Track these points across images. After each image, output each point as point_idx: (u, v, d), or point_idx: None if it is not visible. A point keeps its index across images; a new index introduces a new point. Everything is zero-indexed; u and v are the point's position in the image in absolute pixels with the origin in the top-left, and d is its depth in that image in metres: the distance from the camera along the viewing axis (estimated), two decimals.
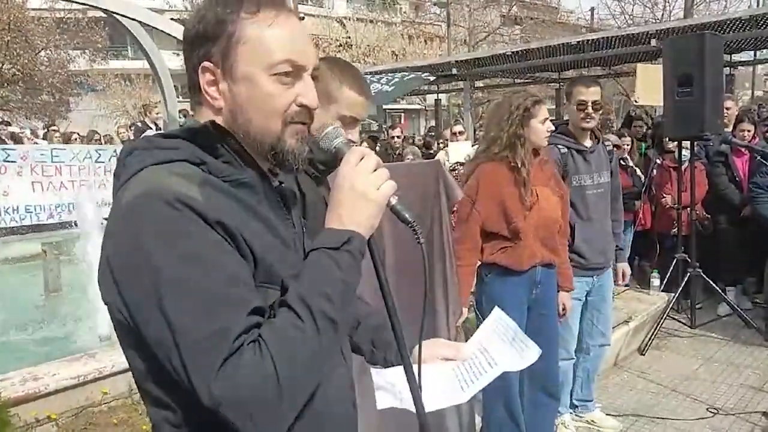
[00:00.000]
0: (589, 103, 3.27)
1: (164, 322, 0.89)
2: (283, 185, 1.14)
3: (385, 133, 10.65)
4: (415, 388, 1.11)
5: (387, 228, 2.32)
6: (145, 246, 0.91)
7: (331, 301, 0.96)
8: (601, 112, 3.39)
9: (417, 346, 1.21)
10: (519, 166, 2.81)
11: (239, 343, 0.89)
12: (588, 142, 3.40)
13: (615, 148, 4.18)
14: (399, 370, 1.15)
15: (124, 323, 0.97)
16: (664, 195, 5.93)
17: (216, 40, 1.03)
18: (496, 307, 1.57)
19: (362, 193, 1.03)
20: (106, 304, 1.00)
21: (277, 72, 1.03)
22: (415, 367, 1.14)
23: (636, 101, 7.86)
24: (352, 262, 1.01)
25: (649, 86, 6.17)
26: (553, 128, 2.98)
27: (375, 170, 1.05)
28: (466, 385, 1.28)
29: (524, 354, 1.36)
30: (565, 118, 3.58)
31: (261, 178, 1.07)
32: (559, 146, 3.32)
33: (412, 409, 1.17)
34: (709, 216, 5.87)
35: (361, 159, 1.06)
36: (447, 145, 8.40)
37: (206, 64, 1.04)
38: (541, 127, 2.87)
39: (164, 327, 0.89)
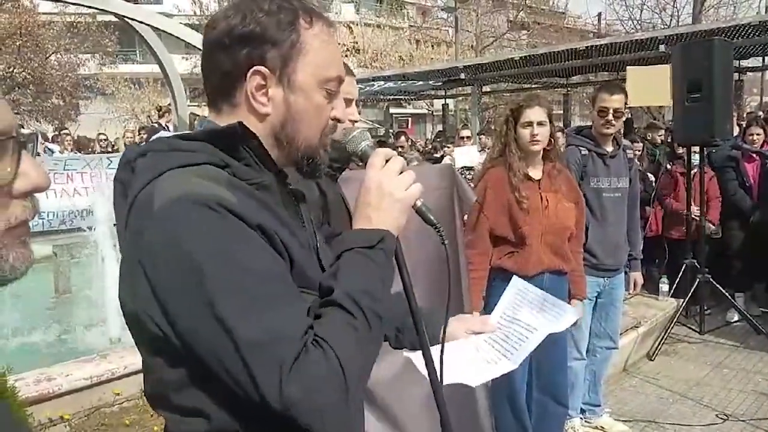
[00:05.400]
0: (611, 110, 3.32)
1: (220, 328, 0.86)
2: (296, 186, 1.14)
3: (392, 137, 10.67)
4: (437, 383, 1.12)
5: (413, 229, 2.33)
6: (190, 253, 0.87)
7: (375, 298, 0.98)
8: (623, 119, 3.43)
9: (442, 331, 1.20)
10: (509, 170, 2.83)
11: (303, 342, 0.88)
12: (609, 147, 3.44)
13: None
14: (436, 349, 1.15)
15: (159, 335, 0.93)
16: (672, 200, 5.91)
17: (277, 45, 1.01)
18: (515, 276, 1.55)
19: (389, 194, 1.05)
20: (134, 317, 0.96)
21: (328, 87, 1.06)
22: (437, 350, 1.14)
23: (627, 103, 7.92)
24: (386, 261, 1.03)
25: (639, 88, 6.15)
26: (537, 133, 2.81)
27: (401, 172, 1.07)
28: (510, 354, 1.29)
29: (561, 317, 1.35)
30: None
31: (277, 180, 1.06)
32: (580, 148, 3.39)
33: (472, 381, 1.19)
34: (718, 221, 5.85)
35: (387, 161, 1.08)
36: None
37: (260, 68, 1.01)
38: (523, 132, 2.83)
39: (221, 333, 0.86)
